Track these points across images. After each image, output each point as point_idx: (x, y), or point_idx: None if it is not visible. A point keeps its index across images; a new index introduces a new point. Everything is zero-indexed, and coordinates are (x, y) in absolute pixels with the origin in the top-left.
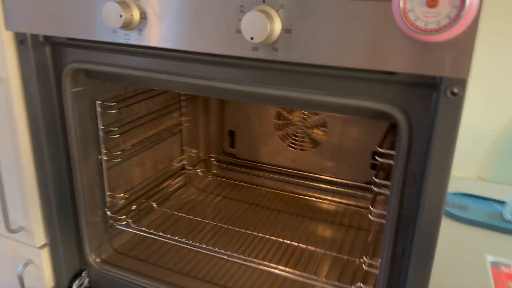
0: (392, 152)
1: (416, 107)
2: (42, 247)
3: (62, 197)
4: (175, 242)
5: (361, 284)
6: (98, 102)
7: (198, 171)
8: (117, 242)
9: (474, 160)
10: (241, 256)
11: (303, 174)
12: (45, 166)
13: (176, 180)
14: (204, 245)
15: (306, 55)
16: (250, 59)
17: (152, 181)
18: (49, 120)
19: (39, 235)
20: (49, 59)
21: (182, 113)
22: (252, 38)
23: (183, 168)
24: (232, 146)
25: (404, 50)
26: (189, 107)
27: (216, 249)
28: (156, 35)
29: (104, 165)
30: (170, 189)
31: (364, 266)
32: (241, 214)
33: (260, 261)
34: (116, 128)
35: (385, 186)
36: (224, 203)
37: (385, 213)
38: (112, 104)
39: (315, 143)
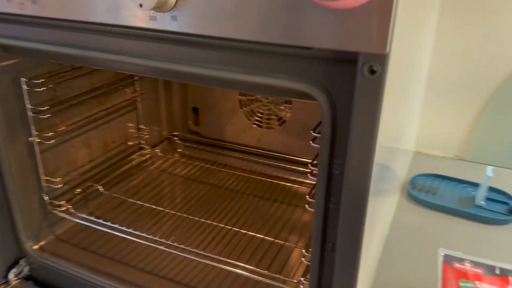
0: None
1: (340, 87)
2: None
3: None
4: (112, 231)
5: (301, 278)
6: (23, 80)
7: (157, 150)
8: (60, 228)
9: (453, 138)
10: (184, 247)
11: (269, 154)
12: None
13: (133, 162)
14: (145, 235)
15: (205, 25)
16: (147, 30)
17: (101, 162)
18: None
19: None
20: None
21: (136, 88)
22: (140, 5)
23: (141, 148)
24: (197, 123)
25: (313, 20)
26: (145, 83)
27: (157, 238)
28: (50, 4)
29: (37, 147)
30: (127, 171)
31: (304, 260)
32: (201, 197)
33: (207, 254)
34: (46, 108)
35: None
36: (185, 185)
37: None
38: (40, 81)
39: (281, 120)
